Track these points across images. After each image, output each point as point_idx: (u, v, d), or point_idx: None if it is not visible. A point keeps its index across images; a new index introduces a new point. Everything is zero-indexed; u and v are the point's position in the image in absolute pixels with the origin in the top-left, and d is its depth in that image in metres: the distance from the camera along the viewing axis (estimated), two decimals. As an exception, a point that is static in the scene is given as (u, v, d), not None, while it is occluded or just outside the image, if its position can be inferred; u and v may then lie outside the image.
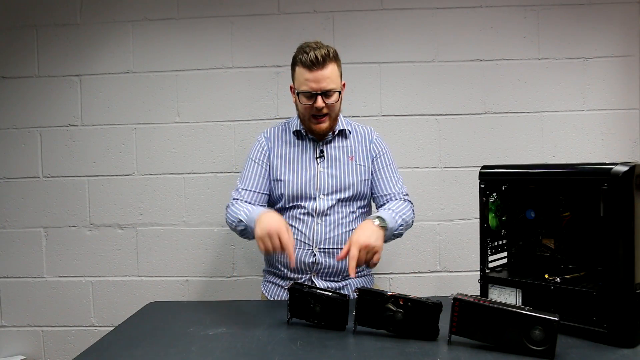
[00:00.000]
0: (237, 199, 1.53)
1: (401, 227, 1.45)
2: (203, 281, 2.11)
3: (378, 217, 1.36)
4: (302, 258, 1.48)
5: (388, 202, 1.55)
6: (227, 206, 1.52)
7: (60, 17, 2.09)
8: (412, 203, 1.58)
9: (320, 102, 1.44)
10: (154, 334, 1.16)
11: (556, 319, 0.92)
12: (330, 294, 1.14)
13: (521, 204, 1.26)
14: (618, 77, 2.06)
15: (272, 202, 1.59)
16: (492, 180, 1.24)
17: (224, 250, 2.10)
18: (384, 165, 1.59)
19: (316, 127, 1.49)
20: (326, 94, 1.44)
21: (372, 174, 1.58)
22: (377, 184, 1.58)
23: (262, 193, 1.55)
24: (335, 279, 1.52)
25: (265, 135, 1.61)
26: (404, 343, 1.03)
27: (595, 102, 2.06)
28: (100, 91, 2.10)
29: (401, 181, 1.61)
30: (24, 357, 2.11)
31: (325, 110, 1.46)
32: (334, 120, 1.52)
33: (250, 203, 1.51)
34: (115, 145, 2.11)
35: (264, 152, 1.57)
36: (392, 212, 1.44)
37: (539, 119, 2.07)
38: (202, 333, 1.14)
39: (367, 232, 1.29)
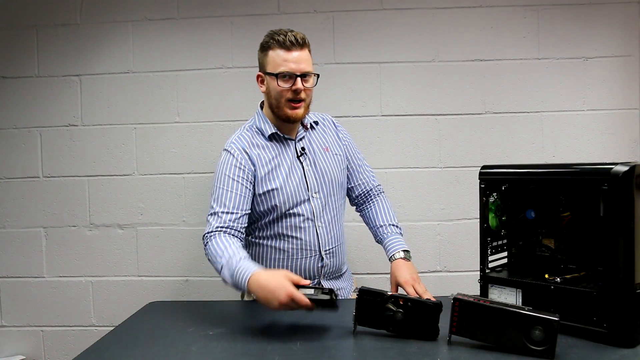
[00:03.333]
0: (217, 231, 1.32)
1: (402, 231, 1.57)
2: (203, 281, 2.11)
3: (403, 250, 1.46)
4: (311, 265, 1.46)
5: (368, 198, 1.61)
6: (205, 244, 1.33)
7: (60, 17, 2.09)
8: (380, 185, 1.65)
9: (299, 83, 1.36)
10: (154, 334, 1.16)
11: (556, 319, 0.92)
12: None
13: (521, 204, 1.26)
14: (618, 77, 2.06)
15: (255, 218, 1.44)
16: (492, 180, 1.24)
17: (224, 250, 2.10)
18: (353, 153, 1.59)
19: (292, 113, 1.39)
20: (305, 77, 1.37)
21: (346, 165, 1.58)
22: (353, 175, 1.60)
23: (246, 214, 1.39)
24: (337, 275, 1.53)
25: (238, 147, 1.41)
26: (404, 343, 1.03)
27: (595, 102, 2.06)
28: (100, 91, 2.10)
29: (371, 168, 1.64)
30: (24, 357, 2.11)
31: (302, 95, 1.38)
32: (307, 109, 1.44)
33: (231, 228, 1.34)
34: (115, 145, 2.11)
35: (242, 167, 1.39)
36: (396, 228, 1.55)
37: (539, 119, 2.06)
38: (202, 333, 1.14)
39: (407, 271, 1.39)
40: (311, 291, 1.13)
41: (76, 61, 2.10)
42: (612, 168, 0.99)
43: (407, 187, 2.06)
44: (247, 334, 1.12)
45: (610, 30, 2.05)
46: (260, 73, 1.44)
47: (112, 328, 1.23)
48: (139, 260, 2.11)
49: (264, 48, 1.40)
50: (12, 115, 2.11)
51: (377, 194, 1.62)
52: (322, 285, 1.48)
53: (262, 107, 1.50)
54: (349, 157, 1.58)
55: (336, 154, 1.53)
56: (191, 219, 2.10)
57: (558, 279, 1.10)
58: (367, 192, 1.62)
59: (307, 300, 1.09)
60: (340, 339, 1.08)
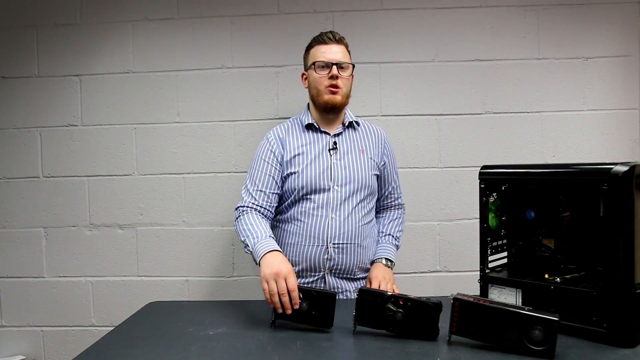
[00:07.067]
0: (248, 207, 1.48)
1: (399, 244, 1.68)
2: (203, 281, 2.11)
3: (386, 258, 1.56)
4: (316, 255, 1.47)
5: (386, 208, 1.71)
6: (237, 217, 1.49)
7: (60, 17, 2.09)
8: (404, 204, 1.76)
9: (335, 70, 1.49)
10: (154, 334, 1.16)
11: (556, 319, 0.93)
12: (319, 289, 1.16)
13: (521, 204, 1.27)
14: (618, 77, 2.06)
15: (282, 200, 1.56)
16: (492, 180, 1.24)
17: (224, 250, 2.10)
18: (390, 171, 1.66)
19: (330, 97, 1.50)
20: (341, 66, 1.50)
21: (379, 177, 1.63)
22: (382, 189, 1.66)
23: (275, 193, 1.52)
24: (349, 276, 1.52)
25: (275, 134, 1.58)
26: (404, 343, 1.04)
27: (595, 102, 2.06)
28: (100, 91, 2.10)
29: (400, 186, 1.73)
30: (24, 357, 2.11)
31: (339, 83, 1.50)
32: (346, 98, 1.55)
33: (261, 206, 1.48)
34: (115, 145, 2.11)
35: (274, 151, 1.54)
36: (393, 239, 1.64)
37: (539, 119, 2.07)
38: (202, 333, 1.14)
39: (380, 272, 1.51)
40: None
41: (76, 61, 2.10)
42: (612, 168, 0.99)
43: (407, 187, 2.05)
44: (247, 334, 1.12)
45: (610, 30, 2.05)
46: (304, 72, 1.60)
47: (112, 328, 1.23)
48: (139, 260, 2.11)
49: (307, 49, 1.57)
50: (12, 115, 2.11)
51: (396, 207, 1.71)
52: (326, 281, 1.50)
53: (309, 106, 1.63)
54: (384, 173, 1.64)
55: (370, 159, 1.57)
56: (191, 219, 2.10)
57: (558, 279, 1.10)
58: (388, 204, 1.70)
59: (296, 290, 1.15)
60: (340, 339, 1.08)
